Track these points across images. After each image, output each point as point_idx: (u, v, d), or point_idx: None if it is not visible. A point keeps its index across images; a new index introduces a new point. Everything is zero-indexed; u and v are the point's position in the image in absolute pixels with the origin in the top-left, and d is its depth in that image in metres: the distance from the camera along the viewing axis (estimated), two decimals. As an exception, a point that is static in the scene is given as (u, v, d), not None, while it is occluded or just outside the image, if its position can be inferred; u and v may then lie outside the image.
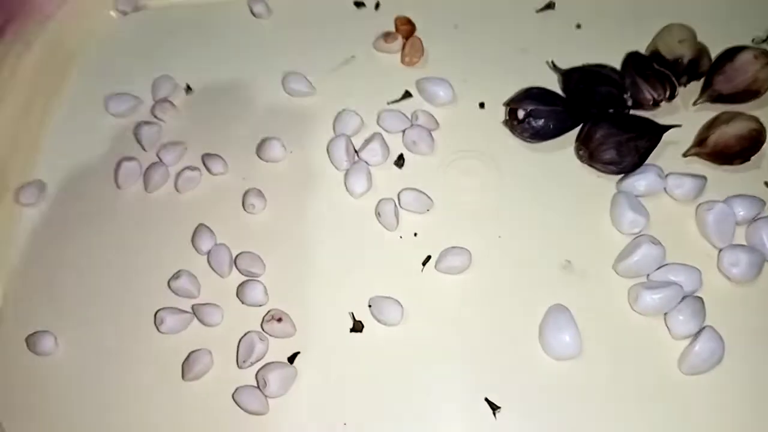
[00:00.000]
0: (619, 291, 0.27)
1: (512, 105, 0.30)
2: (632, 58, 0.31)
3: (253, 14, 0.35)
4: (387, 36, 0.33)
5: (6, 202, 0.30)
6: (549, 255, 0.28)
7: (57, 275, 0.28)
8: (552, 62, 0.31)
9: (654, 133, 0.29)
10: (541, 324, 0.26)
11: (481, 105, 0.31)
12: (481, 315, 0.26)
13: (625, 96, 0.30)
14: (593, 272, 0.27)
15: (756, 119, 0.29)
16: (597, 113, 0.29)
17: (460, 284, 0.27)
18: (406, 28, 0.33)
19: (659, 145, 0.30)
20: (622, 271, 0.27)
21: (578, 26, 0.34)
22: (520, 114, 0.29)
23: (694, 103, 0.31)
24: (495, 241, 0.28)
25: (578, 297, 0.26)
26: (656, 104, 0.30)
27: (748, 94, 0.30)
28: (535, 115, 0.29)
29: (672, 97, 0.30)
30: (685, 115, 0.31)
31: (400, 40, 0.32)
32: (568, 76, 0.31)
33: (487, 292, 0.27)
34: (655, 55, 0.31)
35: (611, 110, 0.30)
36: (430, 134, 0.30)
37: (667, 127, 0.29)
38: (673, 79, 0.30)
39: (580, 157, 0.29)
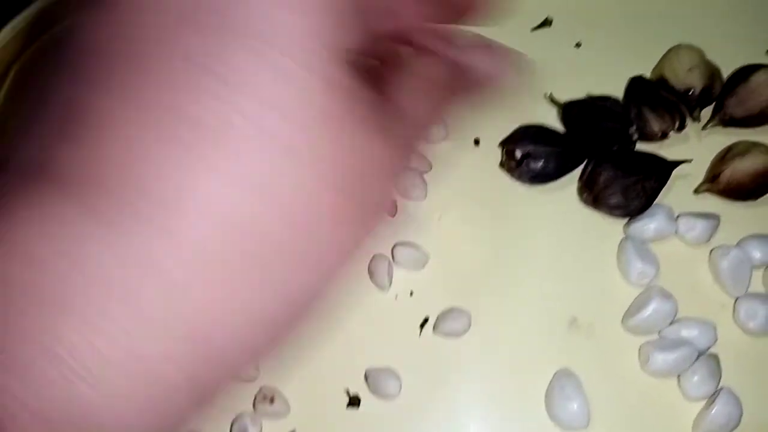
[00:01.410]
0: (629, 350, 0.25)
1: (508, 146, 0.28)
2: (637, 84, 0.28)
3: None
4: None
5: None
6: (553, 312, 0.26)
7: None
8: (550, 95, 0.29)
9: (662, 170, 0.27)
10: (548, 391, 0.25)
11: (476, 142, 0.29)
12: (484, 382, 0.25)
13: (631, 130, 0.27)
14: (601, 329, 0.26)
15: (773, 151, 0.27)
16: (600, 152, 0.27)
17: (460, 348, 0.26)
18: None
19: (670, 180, 0.28)
20: (631, 327, 0.25)
21: (578, 45, 0.31)
22: (518, 155, 0.27)
23: (704, 128, 0.28)
24: (495, 297, 0.26)
25: (585, 358, 0.25)
26: (664, 136, 0.27)
27: (763, 117, 0.28)
28: (533, 156, 0.27)
29: (682, 127, 0.27)
30: (695, 142, 0.28)
31: None
32: (568, 110, 0.28)
33: (489, 356, 0.25)
34: (662, 82, 0.28)
35: (615, 147, 0.27)
36: (423, 177, 0.28)
37: (677, 163, 0.27)
38: (683, 108, 0.27)
39: (583, 200, 0.27)
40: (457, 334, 0.26)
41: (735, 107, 0.28)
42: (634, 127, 0.27)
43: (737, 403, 0.24)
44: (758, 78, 0.28)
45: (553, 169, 0.27)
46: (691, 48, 0.29)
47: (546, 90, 0.30)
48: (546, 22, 0.32)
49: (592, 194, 0.27)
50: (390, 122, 0.14)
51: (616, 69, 0.30)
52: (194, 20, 0.12)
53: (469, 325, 0.26)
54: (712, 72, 0.28)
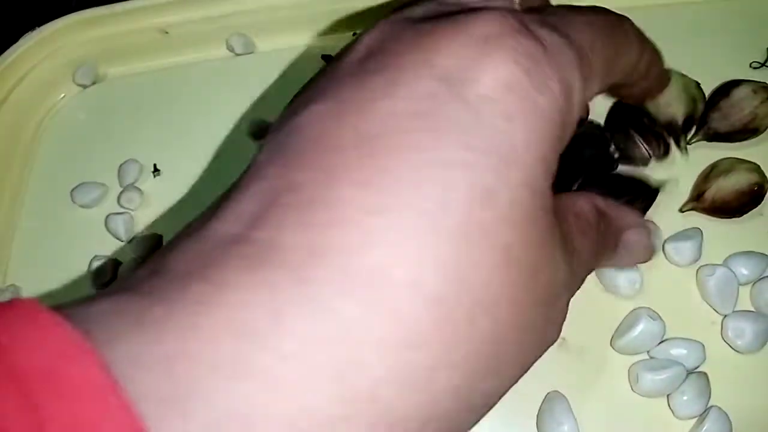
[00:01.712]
0: (618, 369, 0.25)
1: None
2: (619, 109, 0.28)
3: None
4: None
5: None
6: (543, 333, 0.26)
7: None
8: None
9: (647, 194, 0.27)
10: (539, 414, 0.25)
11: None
12: (475, 406, 0.25)
13: (611, 150, 0.28)
14: (590, 350, 0.26)
15: (757, 169, 0.27)
16: (583, 178, 0.27)
17: (452, 373, 0.26)
18: None
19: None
20: (620, 348, 0.25)
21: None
22: None
23: (689, 143, 0.29)
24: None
25: (575, 380, 0.25)
26: (646, 163, 0.28)
27: (747, 132, 0.28)
28: None
29: (666, 154, 0.28)
30: (679, 160, 0.29)
31: None
32: None
33: (479, 380, 0.26)
34: (642, 111, 0.29)
35: (598, 171, 0.28)
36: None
37: (662, 186, 0.27)
38: (666, 136, 0.28)
39: None
40: (449, 359, 0.26)
41: (718, 122, 0.28)
42: (613, 147, 0.28)
43: (727, 420, 0.24)
44: (740, 93, 0.28)
45: None
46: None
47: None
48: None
49: None
50: (569, 257, 0.15)
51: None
52: (425, 119, 0.13)
53: (460, 350, 0.26)
54: (693, 98, 0.28)
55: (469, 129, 0.13)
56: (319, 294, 0.12)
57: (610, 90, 0.20)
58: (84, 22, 0.32)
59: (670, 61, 0.30)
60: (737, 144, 0.29)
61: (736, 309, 0.26)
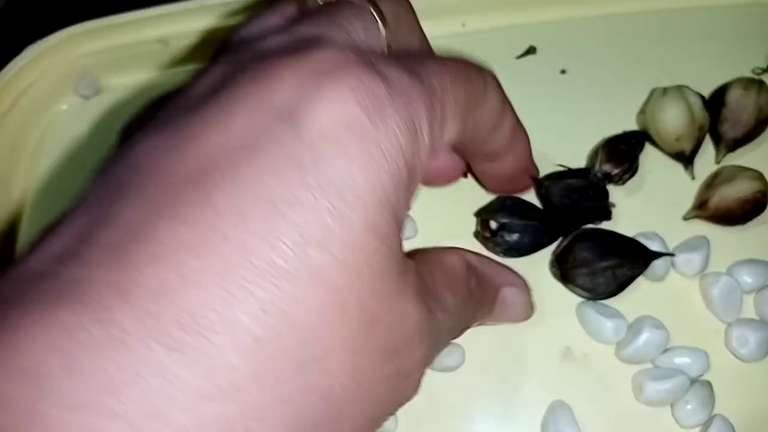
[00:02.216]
0: (622, 379, 0.25)
1: (484, 216, 0.27)
2: (621, 139, 0.28)
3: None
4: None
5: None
6: (546, 342, 0.26)
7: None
8: (529, 174, 0.28)
9: (639, 259, 0.26)
10: (542, 424, 0.25)
11: (464, 174, 0.29)
12: (479, 417, 0.25)
13: (594, 170, 0.27)
14: (594, 359, 0.26)
15: (759, 176, 0.27)
16: (577, 229, 0.27)
17: (454, 383, 0.26)
18: None
19: (658, 205, 0.28)
20: (624, 357, 0.25)
21: (563, 72, 0.31)
22: (493, 226, 0.26)
23: (717, 162, 0.28)
24: (488, 330, 0.26)
25: (580, 389, 0.25)
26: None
27: (761, 124, 0.28)
28: (509, 228, 0.26)
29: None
30: (681, 169, 0.29)
31: None
32: (547, 187, 0.27)
33: (483, 390, 0.26)
34: (650, 138, 0.28)
35: (593, 224, 0.27)
36: (410, 217, 0.28)
37: (657, 255, 0.26)
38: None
39: (552, 274, 0.27)
40: (451, 369, 0.26)
41: (732, 131, 0.28)
42: (598, 169, 0.27)
43: (731, 429, 0.24)
44: (734, 95, 0.28)
45: (528, 243, 0.26)
46: (674, 103, 0.28)
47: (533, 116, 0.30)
48: (530, 50, 0.32)
49: (561, 270, 0.26)
50: (429, 309, 0.14)
51: (601, 95, 0.30)
52: (258, 154, 0.12)
53: (463, 360, 0.26)
54: (700, 126, 0.28)
55: (304, 167, 0.12)
56: (120, 336, 0.11)
57: (477, 166, 0.19)
58: (85, 34, 0.32)
59: (671, 67, 0.30)
60: (740, 151, 0.29)
61: (740, 317, 0.26)
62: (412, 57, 0.15)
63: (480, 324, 0.20)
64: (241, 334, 0.11)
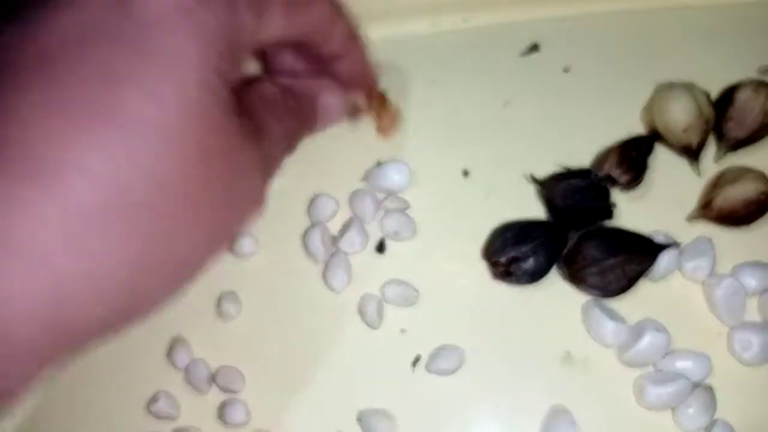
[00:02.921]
0: (624, 383, 0.25)
1: (492, 259, 0.26)
2: (632, 143, 0.28)
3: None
4: (353, 110, 0.30)
5: None
6: (547, 345, 0.26)
7: (31, 405, 0.27)
8: (531, 176, 0.28)
9: (647, 253, 0.25)
10: (542, 429, 0.24)
11: (465, 173, 0.29)
12: (478, 420, 0.25)
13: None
14: (595, 363, 0.25)
15: (763, 177, 0.26)
16: (583, 229, 0.26)
17: (454, 386, 0.25)
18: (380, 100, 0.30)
19: (662, 206, 0.27)
20: (625, 361, 0.25)
21: (566, 70, 0.31)
22: (504, 262, 0.26)
23: (716, 160, 0.28)
24: (487, 331, 0.26)
25: (580, 393, 0.25)
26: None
27: (765, 128, 0.28)
28: (521, 258, 0.26)
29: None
30: (687, 170, 0.28)
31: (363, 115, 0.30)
32: (549, 188, 0.27)
33: (483, 394, 0.25)
34: (656, 134, 0.28)
35: (598, 224, 0.27)
36: (409, 217, 0.28)
37: (663, 247, 0.25)
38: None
39: (561, 276, 0.26)
40: (450, 372, 0.25)
41: (736, 131, 0.28)
42: (607, 172, 0.27)
43: (733, 435, 0.24)
44: (743, 96, 0.28)
45: (545, 260, 0.26)
46: (682, 96, 0.27)
47: (535, 116, 0.29)
48: (534, 48, 0.31)
49: (569, 271, 0.26)
50: (257, 138, 0.18)
51: (604, 91, 0.30)
52: (101, 32, 0.14)
53: (462, 363, 0.26)
54: (707, 120, 0.27)
55: (140, 42, 0.14)
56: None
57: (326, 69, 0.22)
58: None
59: (676, 66, 0.30)
60: (744, 152, 0.28)
61: (743, 320, 0.25)
62: None
63: (309, 135, 0.22)
64: (90, 175, 0.14)
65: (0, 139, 0.14)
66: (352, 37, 0.22)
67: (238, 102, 0.16)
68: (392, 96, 0.30)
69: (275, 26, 0.18)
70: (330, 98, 0.22)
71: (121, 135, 0.14)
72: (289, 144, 0.20)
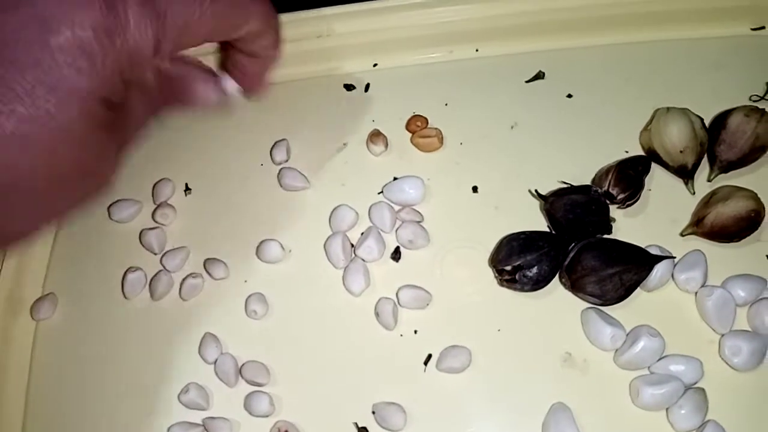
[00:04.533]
0: (620, 384, 0.27)
1: (498, 266, 0.28)
2: (630, 162, 0.30)
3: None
4: (373, 136, 0.33)
5: (23, 318, 0.31)
6: (549, 347, 0.28)
7: (69, 394, 0.29)
8: (536, 191, 0.30)
9: (643, 264, 0.27)
10: (543, 424, 0.26)
11: (474, 188, 0.31)
12: (484, 415, 0.27)
13: (594, 189, 0.29)
14: (594, 365, 0.27)
15: (754, 196, 0.29)
16: (583, 239, 0.28)
17: (462, 384, 0.27)
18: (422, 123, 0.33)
19: (657, 221, 0.30)
20: (622, 363, 0.27)
21: (569, 96, 0.33)
22: (509, 269, 0.28)
23: (710, 180, 0.30)
24: (494, 334, 0.28)
25: (579, 392, 0.27)
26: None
27: (756, 151, 0.30)
28: (525, 266, 0.28)
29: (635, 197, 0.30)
30: (680, 188, 0.30)
31: (382, 144, 0.32)
32: (552, 203, 0.29)
33: (488, 391, 0.27)
34: (653, 154, 0.30)
35: (598, 236, 0.29)
36: (423, 228, 0.30)
37: (658, 259, 0.27)
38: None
39: (563, 284, 0.28)
40: (459, 370, 0.27)
41: (727, 153, 0.30)
42: (599, 191, 0.29)
43: (724, 435, 0.25)
44: (735, 120, 0.30)
45: (548, 269, 0.28)
46: (679, 119, 0.30)
47: (538, 143, 0.32)
48: (539, 75, 0.34)
49: (570, 280, 0.28)
50: (121, 125, 0.21)
51: (605, 117, 0.32)
52: (15, 48, 0.18)
53: (470, 362, 0.28)
54: (701, 143, 0.30)
55: (45, 69, 0.18)
56: None
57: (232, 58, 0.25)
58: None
59: (671, 93, 0.32)
60: (735, 174, 0.30)
61: (733, 328, 0.27)
62: None
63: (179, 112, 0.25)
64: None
65: None
66: (276, 46, 0.25)
67: (120, 95, 0.20)
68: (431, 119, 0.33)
69: (188, 40, 0.21)
70: (202, 89, 0.24)
71: (24, 108, 0.18)
72: (147, 121, 0.23)
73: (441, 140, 0.32)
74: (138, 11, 0.19)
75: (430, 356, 0.28)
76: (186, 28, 0.21)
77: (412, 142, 0.33)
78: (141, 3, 0.19)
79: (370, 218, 0.31)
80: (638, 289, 0.28)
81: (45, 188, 0.20)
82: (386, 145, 0.32)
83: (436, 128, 0.32)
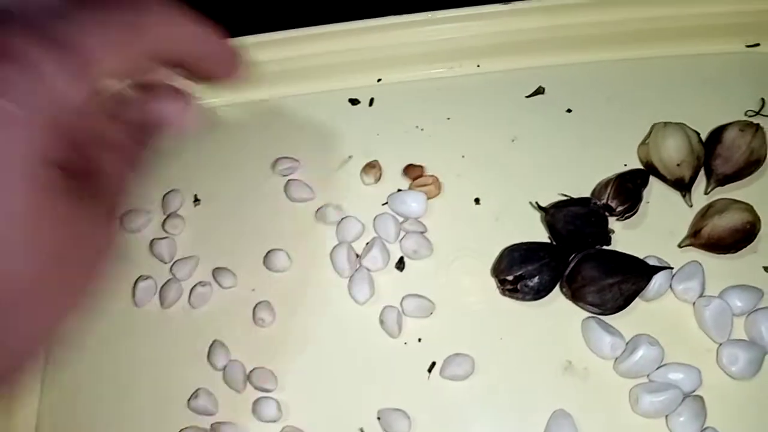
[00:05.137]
0: (620, 392, 0.27)
1: (500, 276, 0.29)
2: (628, 175, 0.31)
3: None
4: (367, 167, 0.33)
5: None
6: (550, 356, 0.28)
7: (81, 401, 0.30)
8: (536, 203, 0.31)
9: (641, 275, 0.28)
10: (545, 431, 0.27)
11: (476, 200, 0.32)
12: (486, 422, 0.27)
13: (593, 202, 0.30)
14: (594, 373, 0.28)
15: (749, 208, 0.29)
16: (583, 250, 0.29)
17: (465, 391, 0.28)
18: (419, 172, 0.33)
19: (655, 233, 0.30)
20: (622, 372, 0.27)
21: (569, 111, 0.34)
22: (511, 279, 0.28)
23: (706, 193, 0.31)
24: (496, 343, 0.29)
25: (580, 400, 0.27)
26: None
27: (751, 165, 0.31)
28: (527, 276, 0.28)
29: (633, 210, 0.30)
30: (678, 200, 0.31)
31: (375, 174, 0.33)
32: (553, 214, 0.30)
33: (491, 398, 0.28)
34: (651, 168, 0.31)
35: (598, 247, 0.29)
36: (426, 239, 0.31)
37: (657, 269, 0.28)
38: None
39: (563, 294, 0.29)
40: (462, 378, 0.28)
41: (723, 167, 0.30)
42: (598, 203, 0.30)
43: (722, 442, 0.26)
44: (730, 135, 0.31)
45: (549, 279, 0.28)
46: (676, 133, 0.30)
47: (542, 156, 0.33)
48: (539, 90, 0.35)
49: (570, 289, 0.28)
50: (93, 187, 0.18)
51: (604, 131, 0.33)
52: None
53: (473, 370, 0.28)
54: (698, 157, 0.30)
55: None
56: None
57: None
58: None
59: (668, 108, 0.33)
60: (731, 187, 0.31)
61: (730, 338, 0.28)
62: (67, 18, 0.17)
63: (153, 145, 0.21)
64: None
65: None
66: (200, 37, 0.20)
67: (75, 153, 0.17)
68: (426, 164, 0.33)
69: (109, 69, 0.17)
70: (165, 105, 0.21)
71: None
72: (130, 169, 0.20)
73: (438, 187, 0.32)
74: (41, 53, 0.16)
75: (434, 364, 0.29)
76: (109, 53, 0.17)
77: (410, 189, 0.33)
78: (40, 43, 0.16)
79: (374, 229, 0.32)
80: (637, 298, 0.28)
81: (32, 284, 0.16)
82: (377, 179, 0.33)
83: (432, 175, 0.33)
